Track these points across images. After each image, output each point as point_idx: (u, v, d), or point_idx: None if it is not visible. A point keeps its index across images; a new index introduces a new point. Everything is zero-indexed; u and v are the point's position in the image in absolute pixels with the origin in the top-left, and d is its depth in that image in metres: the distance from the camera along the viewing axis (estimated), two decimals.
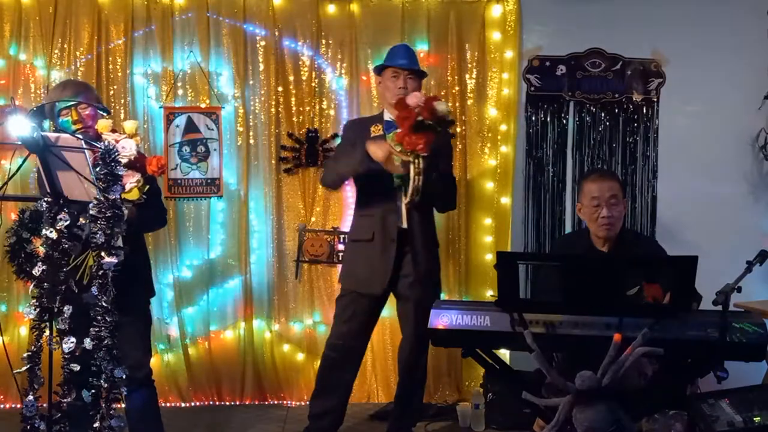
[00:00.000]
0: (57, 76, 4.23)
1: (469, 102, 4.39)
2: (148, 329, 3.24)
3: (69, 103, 2.97)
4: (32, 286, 2.43)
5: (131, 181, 2.83)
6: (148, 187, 2.90)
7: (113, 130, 2.91)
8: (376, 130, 3.58)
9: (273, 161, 4.37)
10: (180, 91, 4.33)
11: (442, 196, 3.60)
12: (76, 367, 2.35)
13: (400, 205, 3.48)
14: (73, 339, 2.34)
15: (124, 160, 2.77)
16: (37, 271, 2.40)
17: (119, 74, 4.26)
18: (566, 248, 3.59)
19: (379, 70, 3.65)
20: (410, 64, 3.58)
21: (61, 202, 2.41)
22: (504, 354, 3.83)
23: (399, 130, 3.25)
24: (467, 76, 4.38)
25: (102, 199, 2.31)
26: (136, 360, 3.06)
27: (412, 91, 3.43)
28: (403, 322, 3.67)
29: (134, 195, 2.84)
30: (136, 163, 2.87)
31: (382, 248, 3.51)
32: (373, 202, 3.54)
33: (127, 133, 2.91)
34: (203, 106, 4.34)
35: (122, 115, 4.21)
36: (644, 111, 4.47)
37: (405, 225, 3.50)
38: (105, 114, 3.01)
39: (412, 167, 3.24)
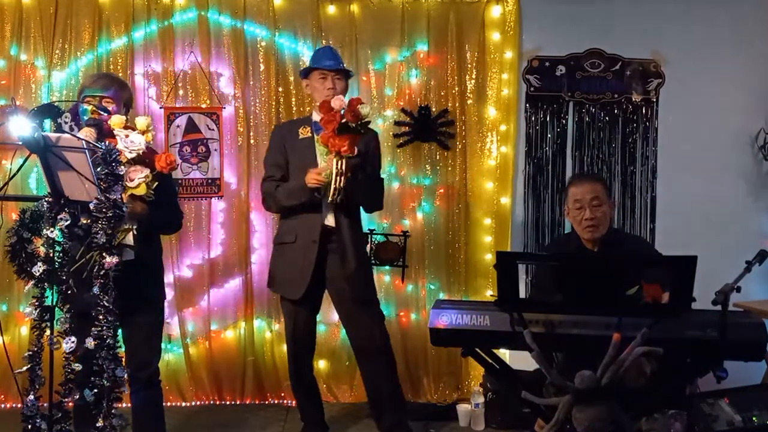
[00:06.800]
0: (58, 76, 4.24)
1: (469, 102, 4.39)
2: (159, 330, 3.23)
3: (96, 93, 2.99)
4: (32, 285, 2.43)
5: (139, 176, 2.82)
6: (156, 183, 2.89)
7: (126, 128, 2.91)
8: (304, 131, 3.62)
9: None
10: (180, 92, 4.33)
11: (368, 196, 3.63)
12: (78, 367, 2.36)
13: (325, 203, 3.49)
14: (73, 338, 2.35)
15: (132, 155, 2.78)
16: (37, 271, 2.40)
17: (120, 74, 4.25)
18: (557, 251, 3.60)
19: (306, 73, 3.67)
20: (336, 65, 3.61)
21: (62, 202, 2.41)
22: (504, 354, 3.83)
23: (324, 132, 3.31)
24: (467, 76, 4.38)
25: (102, 198, 2.31)
26: (142, 359, 3.07)
27: (340, 91, 3.50)
28: (347, 321, 3.69)
29: (141, 190, 2.83)
30: (145, 159, 2.87)
31: (304, 250, 3.53)
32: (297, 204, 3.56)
33: (138, 129, 2.91)
34: (204, 106, 4.34)
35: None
36: (643, 111, 4.47)
37: (333, 223, 3.52)
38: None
39: (334, 168, 3.30)
